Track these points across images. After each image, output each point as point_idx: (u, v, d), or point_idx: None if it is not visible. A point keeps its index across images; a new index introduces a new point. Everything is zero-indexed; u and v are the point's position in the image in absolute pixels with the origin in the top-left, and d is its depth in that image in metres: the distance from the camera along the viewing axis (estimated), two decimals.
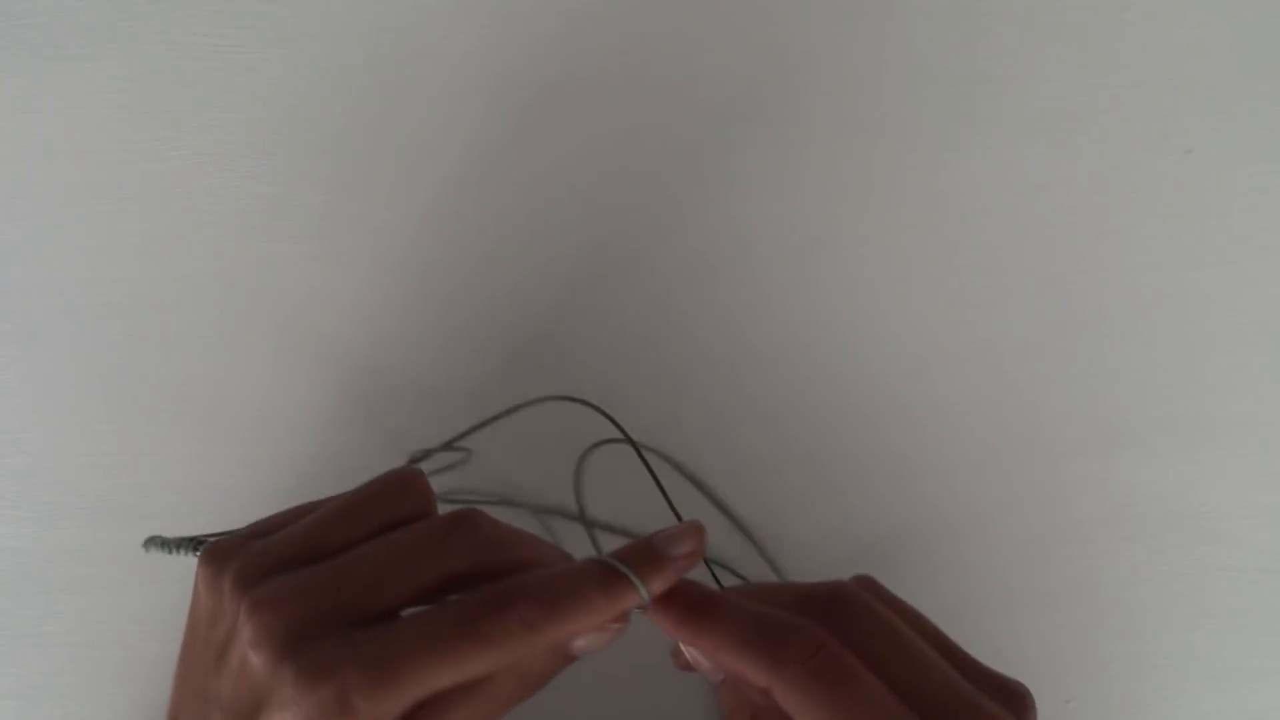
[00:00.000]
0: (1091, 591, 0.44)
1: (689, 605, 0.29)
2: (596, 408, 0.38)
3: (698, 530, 0.29)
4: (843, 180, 0.45)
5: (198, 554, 0.30)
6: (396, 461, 0.43)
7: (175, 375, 0.44)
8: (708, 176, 0.45)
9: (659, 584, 0.28)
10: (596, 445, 0.38)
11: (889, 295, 0.45)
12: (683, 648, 0.30)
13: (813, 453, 0.44)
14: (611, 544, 0.37)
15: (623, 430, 0.36)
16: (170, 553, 0.32)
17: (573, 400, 0.39)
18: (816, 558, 0.43)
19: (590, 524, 0.40)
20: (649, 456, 0.38)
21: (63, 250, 0.44)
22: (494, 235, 0.45)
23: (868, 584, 0.31)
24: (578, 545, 0.38)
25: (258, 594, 0.27)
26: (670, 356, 0.44)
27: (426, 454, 0.41)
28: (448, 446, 0.41)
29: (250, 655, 0.26)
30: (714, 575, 0.33)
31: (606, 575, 0.28)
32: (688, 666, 0.31)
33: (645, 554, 0.28)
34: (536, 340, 0.44)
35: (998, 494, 0.44)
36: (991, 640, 0.43)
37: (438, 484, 0.39)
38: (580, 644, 0.29)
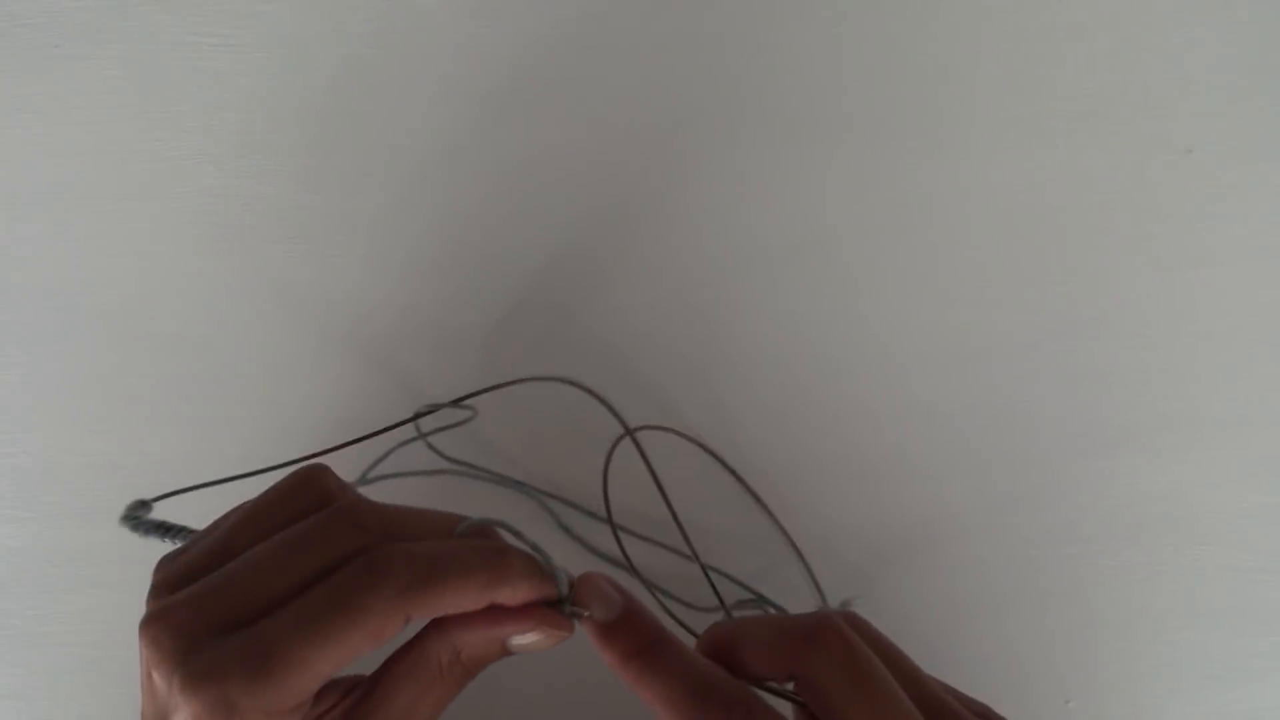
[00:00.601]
0: (1090, 592, 0.44)
1: (636, 649, 0.28)
2: (595, 394, 0.38)
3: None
4: (840, 180, 0.45)
5: (166, 540, 0.29)
6: (395, 459, 0.43)
7: (175, 375, 0.44)
8: (707, 176, 0.45)
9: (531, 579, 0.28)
10: (629, 433, 0.38)
11: (887, 295, 0.45)
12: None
13: (811, 453, 0.44)
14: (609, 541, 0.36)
15: (617, 414, 0.36)
16: (140, 535, 0.31)
17: (574, 384, 0.39)
18: (815, 558, 0.43)
19: (605, 518, 0.40)
20: (664, 445, 0.38)
21: (63, 250, 0.44)
22: (494, 236, 0.45)
23: (850, 619, 0.30)
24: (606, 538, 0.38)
25: (150, 611, 0.27)
26: (670, 355, 0.44)
27: (434, 408, 0.40)
28: (455, 403, 0.41)
29: (152, 673, 0.26)
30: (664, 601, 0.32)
31: (495, 547, 0.28)
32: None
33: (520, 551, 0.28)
34: (533, 340, 0.44)
35: (995, 494, 0.44)
36: (990, 641, 0.43)
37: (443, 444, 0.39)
38: (518, 642, 0.28)
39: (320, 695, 0.28)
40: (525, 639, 0.28)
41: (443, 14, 0.45)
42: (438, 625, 0.29)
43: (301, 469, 0.30)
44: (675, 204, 0.45)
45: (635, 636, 0.28)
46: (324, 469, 0.30)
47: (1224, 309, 0.45)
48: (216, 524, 0.30)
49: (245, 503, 0.30)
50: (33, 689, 0.42)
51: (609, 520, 0.36)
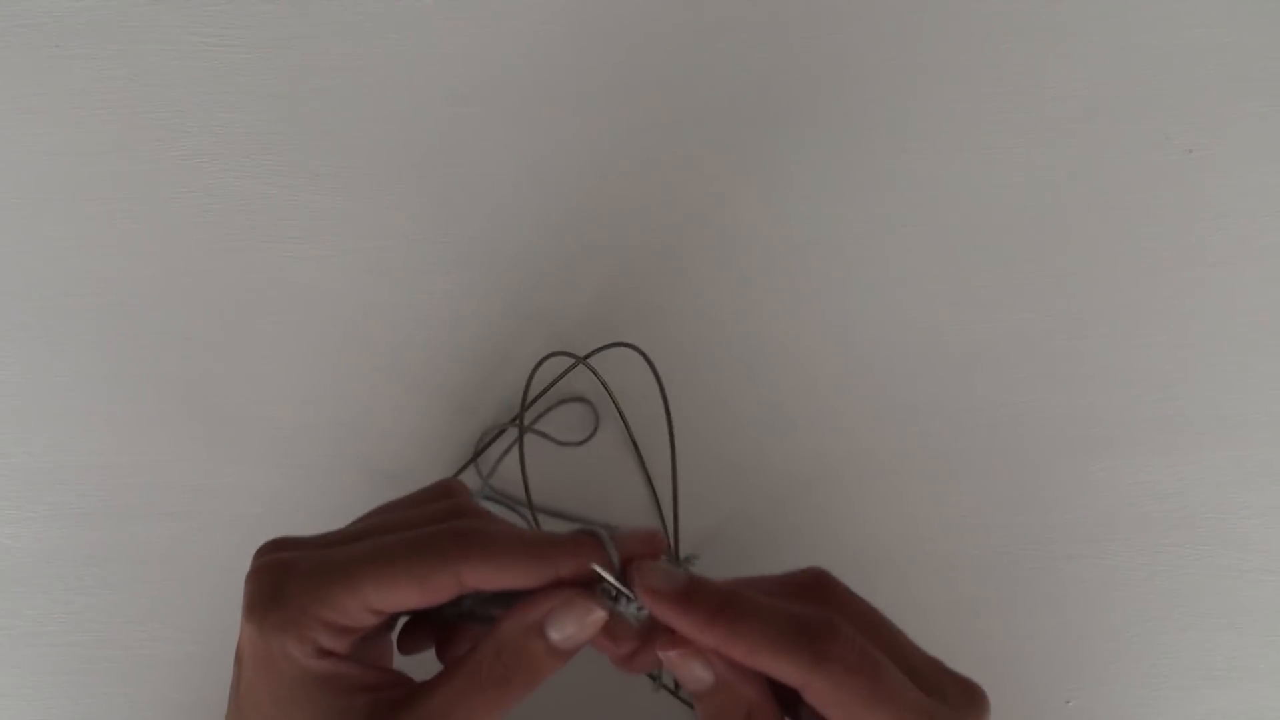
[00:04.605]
0: (1091, 591, 0.44)
1: (717, 607, 0.28)
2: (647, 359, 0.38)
3: (653, 534, 0.29)
4: (840, 180, 0.45)
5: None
6: (397, 460, 0.43)
7: (175, 375, 0.44)
8: (706, 177, 0.45)
9: (619, 551, 0.28)
10: (549, 356, 0.38)
11: (887, 295, 0.45)
12: (664, 655, 0.29)
13: (811, 452, 0.44)
14: None
15: (610, 406, 0.36)
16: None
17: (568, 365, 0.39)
18: (814, 557, 0.43)
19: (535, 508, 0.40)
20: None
21: (63, 250, 0.44)
22: (494, 237, 0.45)
23: (832, 587, 0.31)
24: None
25: (260, 547, 0.29)
26: (671, 355, 0.44)
27: (496, 433, 0.42)
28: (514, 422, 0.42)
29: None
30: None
31: (551, 536, 0.28)
32: (629, 665, 0.30)
33: (601, 536, 0.29)
34: (534, 339, 0.44)
35: (996, 494, 0.44)
36: (991, 640, 0.43)
37: None
38: (554, 629, 0.28)
39: (368, 669, 0.29)
40: (563, 627, 0.28)
41: (443, 14, 0.45)
42: (490, 632, 0.29)
43: (439, 481, 0.33)
44: (675, 204, 0.45)
45: (710, 596, 0.28)
46: (458, 483, 0.33)
47: (1224, 309, 0.45)
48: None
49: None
50: (33, 689, 0.42)
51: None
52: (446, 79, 0.45)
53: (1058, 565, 0.44)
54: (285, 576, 0.27)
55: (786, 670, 0.27)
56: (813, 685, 0.27)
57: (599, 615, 0.28)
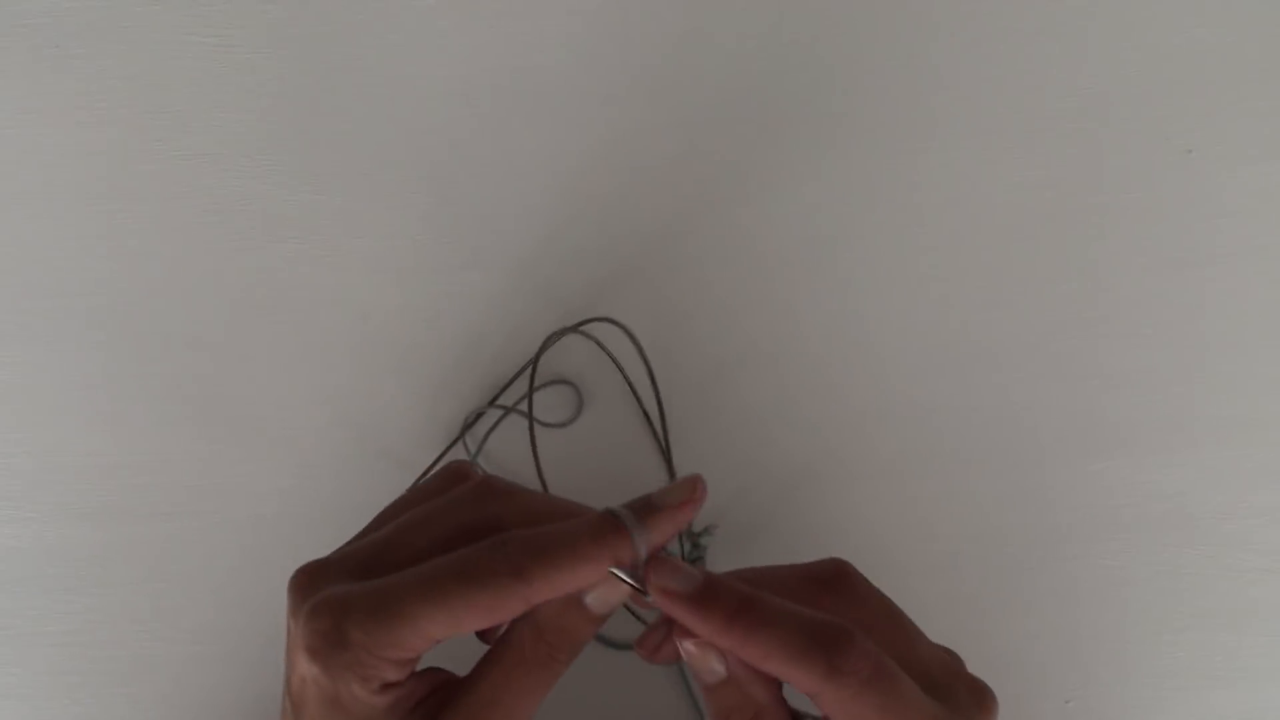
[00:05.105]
0: (1091, 591, 0.44)
1: (734, 611, 0.28)
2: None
3: (694, 481, 0.29)
4: (840, 180, 0.45)
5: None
6: (398, 461, 0.43)
7: (175, 375, 0.44)
8: (707, 178, 0.45)
9: (655, 534, 0.28)
10: (559, 333, 0.38)
11: (887, 295, 0.45)
12: (682, 646, 0.29)
13: (808, 450, 0.44)
14: None
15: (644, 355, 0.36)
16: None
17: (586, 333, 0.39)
18: (813, 555, 0.43)
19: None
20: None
21: (63, 250, 0.44)
22: (494, 237, 0.45)
23: (849, 576, 0.31)
24: None
25: (294, 574, 0.29)
26: (669, 356, 0.44)
27: (480, 413, 0.42)
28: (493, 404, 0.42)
29: (290, 623, 0.28)
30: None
31: (599, 523, 0.28)
32: (655, 656, 0.30)
33: (641, 503, 0.28)
34: (534, 339, 0.44)
35: (997, 494, 0.44)
36: (991, 640, 0.43)
37: None
38: (592, 599, 0.29)
39: (419, 681, 0.29)
40: (601, 594, 0.28)
41: (443, 13, 0.45)
42: (526, 613, 0.29)
43: (452, 463, 0.32)
44: (675, 204, 0.45)
45: (729, 597, 0.28)
46: (467, 463, 0.32)
47: (1224, 309, 0.45)
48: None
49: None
50: (33, 689, 0.42)
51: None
52: (447, 79, 0.45)
53: (1057, 565, 0.44)
54: (344, 616, 0.26)
55: (800, 678, 0.27)
56: (826, 695, 0.27)
57: (627, 588, 0.28)
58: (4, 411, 0.43)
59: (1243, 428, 0.44)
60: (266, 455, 0.43)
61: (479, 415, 0.43)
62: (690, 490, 0.29)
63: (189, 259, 0.44)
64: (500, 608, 0.27)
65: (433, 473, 0.32)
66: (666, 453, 0.39)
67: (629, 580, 0.28)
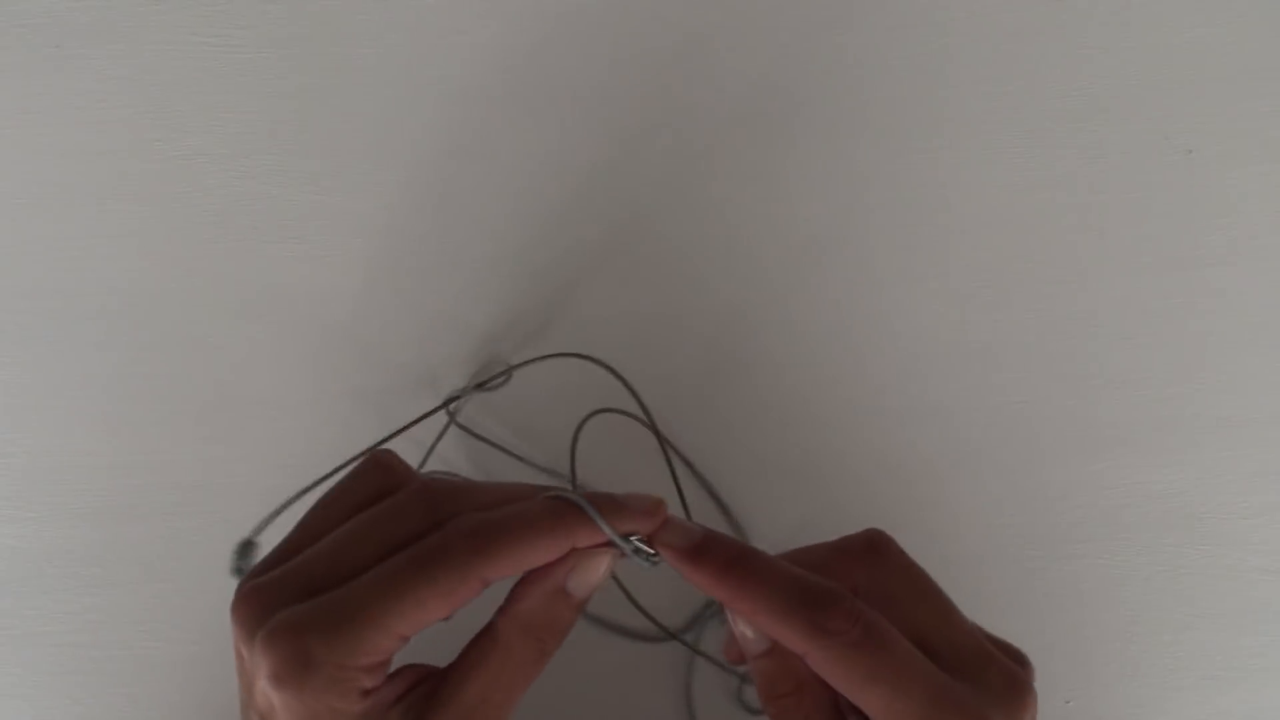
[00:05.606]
0: (1090, 591, 0.44)
1: (728, 560, 0.28)
2: (617, 373, 0.38)
3: (658, 503, 0.29)
4: (840, 181, 0.45)
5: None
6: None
7: (175, 375, 0.44)
8: (708, 178, 0.45)
9: (613, 517, 0.28)
10: (594, 413, 0.39)
11: (887, 295, 0.45)
12: (730, 616, 0.30)
13: (808, 450, 0.44)
14: None
15: (633, 391, 0.36)
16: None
17: (589, 359, 0.39)
18: None
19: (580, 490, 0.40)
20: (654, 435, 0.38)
21: (62, 250, 0.44)
22: (494, 235, 0.45)
23: (884, 539, 0.31)
24: None
25: (236, 595, 0.28)
26: (670, 356, 0.44)
27: (461, 393, 0.41)
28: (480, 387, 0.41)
29: (240, 649, 0.27)
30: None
31: (553, 502, 0.28)
32: (740, 659, 0.30)
33: (601, 496, 0.29)
34: (535, 339, 0.44)
35: (996, 493, 0.44)
36: None
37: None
38: (573, 584, 0.29)
39: (394, 680, 0.29)
40: (583, 580, 0.29)
41: (443, 14, 0.45)
42: (504, 603, 0.29)
43: (369, 456, 0.31)
44: (675, 205, 0.45)
45: (723, 550, 0.28)
46: (390, 453, 0.31)
47: (1224, 309, 0.45)
48: (296, 525, 0.31)
49: (320, 498, 0.31)
50: (33, 689, 0.42)
51: (573, 482, 0.37)
52: (447, 79, 0.45)
53: (1057, 565, 0.44)
54: (303, 638, 0.26)
55: (788, 636, 0.27)
56: (813, 655, 0.27)
57: (609, 561, 0.29)
58: (4, 411, 0.43)
59: (1243, 428, 0.44)
60: (267, 455, 0.43)
61: (421, 417, 0.42)
62: (652, 507, 0.29)
63: (189, 259, 0.44)
64: (461, 589, 0.27)
65: (355, 466, 0.31)
66: (667, 454, 0.39)
67: (642, 546, 0.29)
